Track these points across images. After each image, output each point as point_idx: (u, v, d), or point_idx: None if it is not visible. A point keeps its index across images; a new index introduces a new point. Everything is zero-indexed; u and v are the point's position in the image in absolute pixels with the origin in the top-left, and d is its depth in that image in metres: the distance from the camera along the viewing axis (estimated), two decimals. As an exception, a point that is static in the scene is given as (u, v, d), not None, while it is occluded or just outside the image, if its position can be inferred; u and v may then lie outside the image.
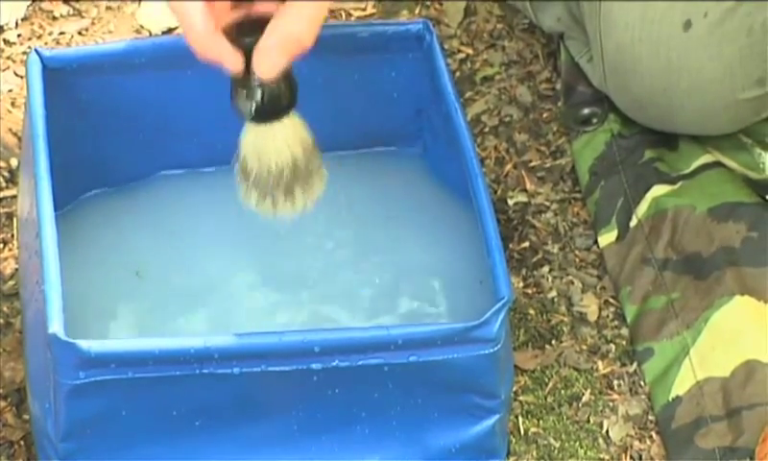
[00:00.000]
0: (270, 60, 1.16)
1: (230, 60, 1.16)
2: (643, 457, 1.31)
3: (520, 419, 1.33)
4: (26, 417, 1.29)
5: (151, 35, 1.60)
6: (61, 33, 1.60)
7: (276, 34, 1.16)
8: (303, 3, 1.15)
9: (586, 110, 1.52)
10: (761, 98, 1.42)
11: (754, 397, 1.31)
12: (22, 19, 1.61)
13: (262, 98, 1.19)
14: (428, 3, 1.65)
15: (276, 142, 1.21)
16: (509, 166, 1.51)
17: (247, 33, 1.17)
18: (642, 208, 1.44)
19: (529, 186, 1.50)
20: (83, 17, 1.62)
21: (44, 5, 1.62)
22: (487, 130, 1.54)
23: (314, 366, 1.17)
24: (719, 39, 1.39)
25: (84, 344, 1.13)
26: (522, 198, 1.49)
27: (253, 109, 1.19)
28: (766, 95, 1.43)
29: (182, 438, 1.20)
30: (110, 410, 1.17)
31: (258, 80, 1.17)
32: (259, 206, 1.23)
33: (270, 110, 1.20)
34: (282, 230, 1.32)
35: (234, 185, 1.29)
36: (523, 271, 1.43)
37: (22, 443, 1.29)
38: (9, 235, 1.43)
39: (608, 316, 1.40)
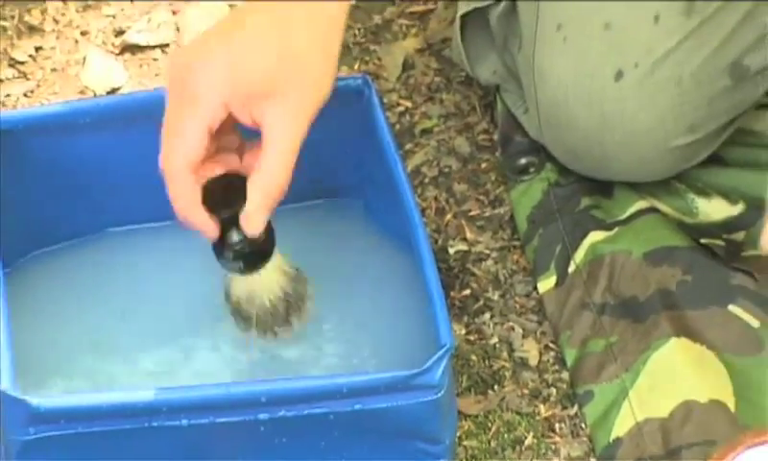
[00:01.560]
0: (258, 219, 1.20)
1: (206, 228, 1.20)
2: (585, 498, 1.32)
3: (465, 463, 1.33)
4: (-22, 473, 1.29)
5: (95, 95, 1.59)
6: (7, 95, 1.60)
7: (255, 194, 1.19)
8: (274, 154, 1.19)
9: (523, 160, 1.52)
10: (693, 145, 1.43)
11: (692, 436, 1.31)
12: (-31, 82, 1.61)
13: (249, 254, 1.22)
14: (367, 58, 1.65)
15: (266, 284, 1.25)
16: (449, 216, 1.51)
17: (221, 203, 1.21)
18: (580, 255, 1.45)
19: (469, 235, 1.50)
20: (28, 79, 1.61)
21: (-9, 68, 1.62)
22: (427, 180, 1.54)
23: (261, 416, 1.17)
24: (650, 89, 1.39)
25: (34, 400, 1.13)
26: (463, 247, 1.49)
27: (243, 266, 1.23)
28: (697, 142, 1.43)
29: (133, 491, 1.20)
30: (61, 464, 1.17)
31: (241, 239, 1.21)
32: (262, 339, 1.28)
33: (257, 261, 1.24)
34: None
35: (179, 241, 1.29)
36: (465, 318, 1.43)
37: (-26, 499, 1.28)
38: (-42, 294, 1.42)
39: (548, 360, 1.41)
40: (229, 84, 1.18)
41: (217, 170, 1.21)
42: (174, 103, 1.20)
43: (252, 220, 1.20)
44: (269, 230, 1.23)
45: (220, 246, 1.22)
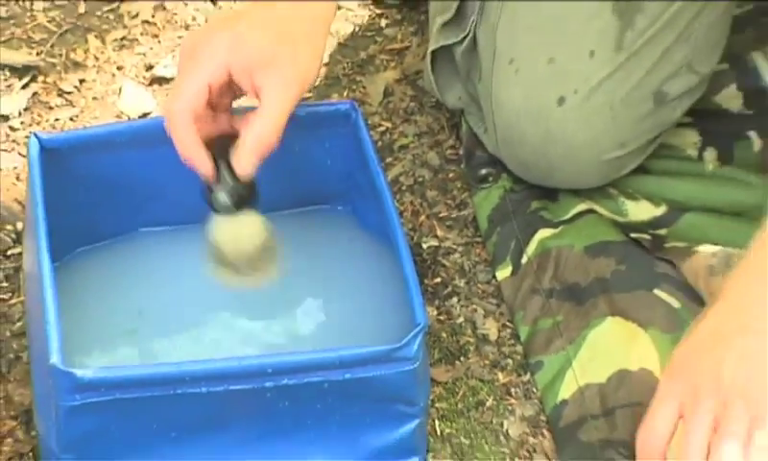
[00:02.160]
0: (248, 161, 1.20)
1: (204, 166, 1.20)
2: (537, 450, 1.31)
3: (437, 422, 1.32)
4: (33, 433, 1.28)
5: (129, 119, 1.59)
6: (56, 119, 1.59)
7: (249, 138, 1.20)
8: (269, 113, 1.19)
9: (483, 171, 1.52)
10: (623, 158, 1.43)
11: (625, 398, 1.31)
12: (24, 109, 1.60)
13: (238, 194, 1.21)
14: (354, 87, 1.65)
15: (248, 229, 1.23)
16: (422, 217, 1.51)
17: (218, 152, 1.20)
18: (531, 248, 1.44)
19: (439, 233, 1.50)
20: (73, 106, 1.61)
21: (42, 97, 1.61)
22: (404, 188, 1.54)
23: (267, 384, 1.17)
24: (587, 112, 1.39)
25: (79, 372, 1.13)
26: (434, 242, 1.49)
27: (231, 204, 1.21)
28: (627, 155, 1.43)
29: (161, 447, 1.19)
30: (101, 426, 1.16)
31: (232, 180, 1.20)
32: (224, 280, 1.25)
33: (243, 202, 1.22)
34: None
35: (198, 242, 1.29)
36: (436, 301, 1.43)
37: (30, 454, 1.28)
38: (16, 285, 1.42)
39: (505, 336, 1.40)
40: (232, 52, 1.19)
41: (213, 131, 1.22)
42: (182, 67, 1.21)
43: (243, 160, 1.20)
44: (255, 185, 1.22)
45: (213, 185, 1.21)
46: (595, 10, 1.38)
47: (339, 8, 1.72)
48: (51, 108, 1.61)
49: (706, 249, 1.40)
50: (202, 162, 1.20)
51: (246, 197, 1.22)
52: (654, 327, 1.35)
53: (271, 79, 1.19)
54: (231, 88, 1.22)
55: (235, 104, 1.25)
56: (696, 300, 1.36)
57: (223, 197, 1.21)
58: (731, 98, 1.53)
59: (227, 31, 1.19)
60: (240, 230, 1.23)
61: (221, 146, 1.21)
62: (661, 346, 1.34)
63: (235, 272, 1.24)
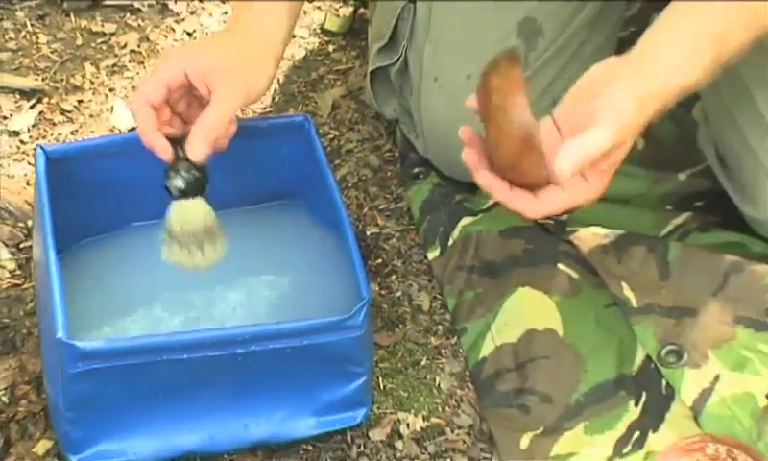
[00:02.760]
0: (199, 147, 1.19)
1: (162, 149, 1.19)
2: (463, 400, 1.30)
3: (380, 379, 1.32)
4: (44, 396, 1.27)
5: (120, 132, 1.58)
6: (59, 134, 1.58)
7: (198, 127, 1.19)
8: (217, 106, 1.19)
9: (415, 170, 1.52)
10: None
11: (533, 353, 1.31)
12: (32, 126, 1.59)
13: (191, 178, 1.20)
14: (307, 102, 1.64)
15: (198, 211, 1.22)
16: (366, 209, 1.51)
17: (176, 144, 1.20)
18: (456, 233, 1.44)
19: (380, 222, 1.49)
20: (73, 123, 1.60)
21: (46, 115, 1.60)
22: (350, 185, 1.53)
23: (239, 351, 1.17)
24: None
25: (80, 344, 1.13)
26: (375, 230, 1.48)
27: (184, 186, 1.20)
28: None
29: (151, 405, 1.18)
30: (100, 388, 1.15)
31: (186, 167, 1.19)
32: (178, 258, 1.23)
33: (195, 189, 1.21)
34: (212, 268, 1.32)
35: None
36: (378, 279, 1.42)
37: (42, 413, 1.26)
38: (28, 273, 1.40)
39: (436, 306, 1.40)
40: (191, 60, 1.20)
41: (175, 128, 1.22)
42: (151, 73, 1.22)
43: (194, 144, 1.19)
44: (206, 175, 1.21)
45: (171, 171, 1.20)
46: (504, 34, 1.38)
47: (294, 36, 1.71)
48: (54, 124, 1.59)
49: (598, 230, 1.40)
50: (160, 146, 1.19)
51: (197, 184, 1.21)
52: (557, 294, 1.35)
53: (223, 82, 1.19)
54: (191, 94, 1.22)
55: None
56: (592, 272, 1.37)
57: (178, 182, 1.20)
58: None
59: (192, 45, 1.19)
60: (190, 212, 1.21)
61: (180, 145, 1.20)
62: (563, 309, 1.34)
63: (187, 252, 1.22)
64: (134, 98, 1.20)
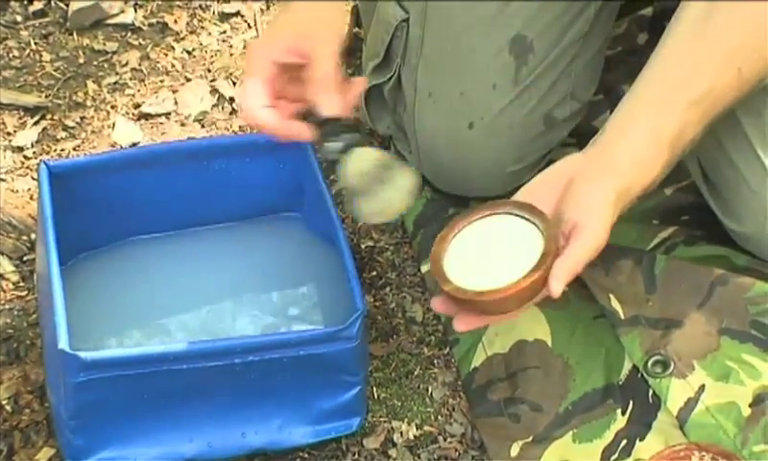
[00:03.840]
0: (332, 100, 1.17)
1: (304, 132, 1.17)
2: (455, 409, 1.31)
3: (374, 388, 1.32)
4: (47, 405, 1.27)
5: (121, 147, 1.58)
6: (62, 149, 1.58)
7: (320, 85, 1.17)
8: (321, 62, 1.17)
9: (409, 184, 1.52)
10: (521, 170, 1.43)
11: (523, 363, 1.31)
12: (35, 141, 1.59)
13: (344, 132, 1.16)
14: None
15: (366, 156, 1.17)
16: (360, 223, 1.51)
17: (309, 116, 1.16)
18: (449, 246, 1.45)
19: (374, 235, 1.50)
20: (76, 139, 1.60)
21: (50, 131, 1.60)
22: (346, 199, 1.53)
23: (236, 361, 1.17)
24: (492, 134, 1.40)
25: (82, 354, 1.13)
26: (370, 243, 1.49)
27: (342, 144, 1.16)
28: (524, 168, 1.43)
29: (151, 414, 1.19)
30: (102, 397, 1.16)
31: (333, 127, 1.16)
32: (370, 209, 1.16)
33: (353, 139, 1.17)
34: (215, 275, 1.33)
35: (179, 244, 1.28)
36: (372, 291, 1.43)
37: (45, 422, 1.27)
38: (31, 285, 1.41)
39: (429, 318, 1.40)
40: (273, 46, 1.18)
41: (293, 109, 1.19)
42: (248, 82, 1.18)
43: (327, 101, 1.16)
44: (350, 120, 1.16)
45: (324, 141, 1.16)
46: (496, 51, 1.39)
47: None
48: (57, 140, 1.60)
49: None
50: (302, 131, 1.17)
51: (352, 133, 1.16)
52: (546, 305, 1.35)
53: (315, 41, 1.17)
54: (285, 76, 1.20)
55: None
56: (581, 284, 1.37)
57: (336, 144, 1.16)
58: (605, 122, 1.55)
59: (265, 37, 1.21)
60: (362, 160, 1.16)
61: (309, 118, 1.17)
62: (552, 320, 1.34)
63: (377, 202, 1.15)
64: (254, 113, 1.17)
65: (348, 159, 1.16)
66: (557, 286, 1.11)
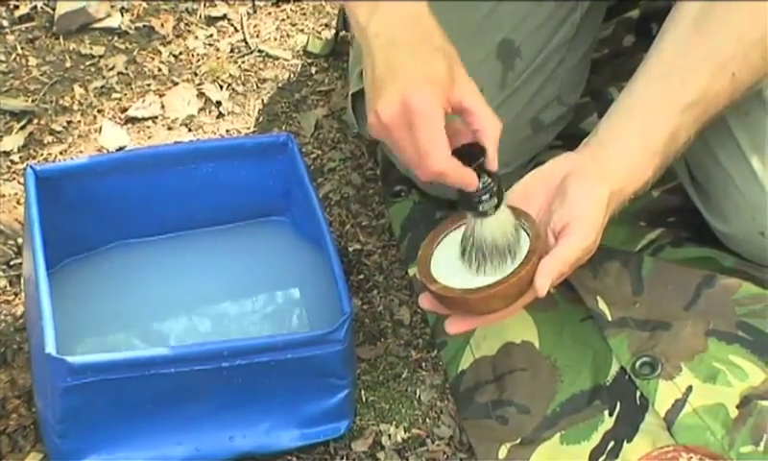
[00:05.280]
0: (496, 157, 1.12)
1: (473, 181, 1.11)
2: (443, 412, 1.31)
3: (362, 391, 1.32)
4: (34, 410, 1.27)
5: (108, 152, 1.58)
6: (49, 153, 1.58)
7: (488, 135, 1.12)
8: (483, 109, 1.12)
9: (397, 187, 1.52)
10: (508, 175, 1.39)
11: (511, 365, 1.31)
12: (22, 146, 1.59)
13: (497, 191, 1.13)
14: (290, 122, 1.65)
15: (505, 221, 1.14)
16: (348, 226, 1.51)
17: (469, 159, 1.11)
18: (436, 249, 1.44)
19: (362, 238, 1.50)
20: (62, 143, 1.60)
21: (36, 136, 1.60)
22: (333, 202, 1.54)
23: (224, 365, 1.17)
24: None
25: (70, 359, 1.13)
26: (358, 246, 1.49)
27: (496, 202, 1.13)
28: (511, 173, 1.41)
29: (138, 418, 1.18)
30: (89, 401, 1.15)
31: (487, 183, 1.11)
32: (494, 270, 1.14)
33: (501, 197, 1.14)
34: (202, 279, 1.33)
35: (168, 248, 1.28)
36: (360, 294, 1.43)
37: (32, 427, 1.27)
38: (18, 289, 1.41)
39: (417, 321, 1.41)
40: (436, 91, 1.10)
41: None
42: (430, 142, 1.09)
43: (493, 156, 1.11)
44: (496, 175, 1.11)
45: (475, 194, 1.11)
46: (483, 56, 1.39)
47: (277, 58, 1.73)
48: (44, 144, 1.60)
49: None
50: (471, 178, 1.11)
51: (500, 190, 1.13)
52: (534, 308, 1.35)
53: (457, 80, 1.11)
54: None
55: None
56: (568, 286, 1.37)
57: (492, 201, 1.12)
58: (593, 125, 1.53)
59: (410, 85, 1.08)
60: (501, 225, 1.13)
61: (470, 156, 1.11)
62: (540, 322, 1.34)
63: (491, 265, 1.13)
64: (440, 163, 1.09)
65: (492, 219, 1.13)
66: (542, 283, 1.11)
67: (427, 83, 1.09)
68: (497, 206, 1.13)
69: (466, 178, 1.11)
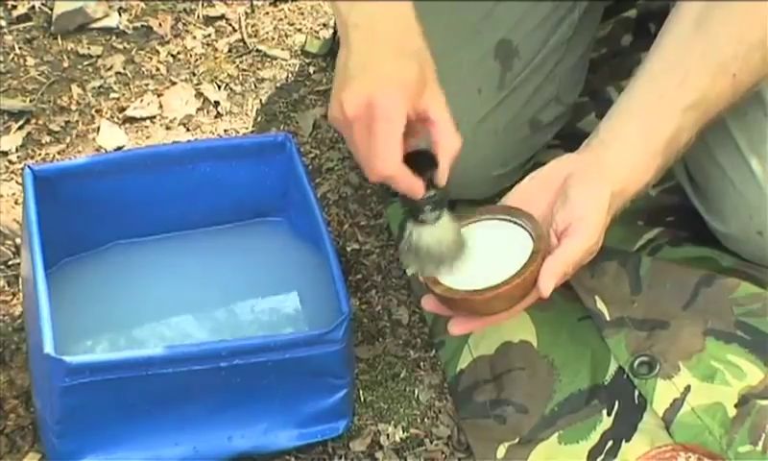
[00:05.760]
0: (446, 174, 1.12)
1: (419, 189, 1.11)
2: (441, 411, 1.31)
3: (361, 391, 1.32)
4: (32, 410, 1.27)
5: (106, 152, 1.58)
6: (47, 154, 1.58)
7: (445, 155, 1.12)
8: (445, 125, 1.11)
9: (394, 187, 1.52)
10: (506, 174, 1.43)
11: (509, 365, 1.31)
12: (20, 146, 1.59)
13: (442, 202, 1.13)
14: (289, 122, 1.65)
15: (448, 228, 1.15)
16: (346, 226, 1.51)
17: (422, 166, 1.11)
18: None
19: (360, 238, 1.50)
20: (60, 143, 1.60)
21: (34, 136, 1.60)
22: (331, 202, 1.54)
23: (222, 365, 1.17)
24: (478, 138, 1.39)
25: (68, 359, 1.13)
26: (356, 246, 1.49)
27: (439, 212, 1.14)
28: (509, 172, 1.43)
29: (137, 418, 1.19)
30: (88, 401, 1.15)
31: (431, 195, 1.12)
32: (430, 273, 1.15)
33: (444, 208, 1.15)
34: (200, 279, 1.32)
35: (162, 247, 1.28)
36: (358, 294, 1.43)
37: (30, 427, 1.27)
38: (16, 289, 1.41)
39: (415, 320, 1.41)
40: (404, 95, 1.09)
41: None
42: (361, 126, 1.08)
43: (444, 173, 1.11)
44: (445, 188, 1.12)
45: (419, 201, 1.12)
46: (481, 56, 1.39)
47: (275, 58, 1.73)
48: (42, 144, 1.60)
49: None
50: (418, 186, 1.11)
51: (446, 201, 1.14)
52: (532, 307, 1.35)
53: (426, 95, 1.10)
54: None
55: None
56: (566, 286, 1.36)
57: (432, 210, 1.13)
58: (591, 124, 1.54)
59: (379, 88, 1.07)
60: (441, 232, 1.14)
61: (423, 165, 1.11)
62: (538, 321, 1.34)
63: (439, 270, 1.15)
64: (390, 168, 1.09)
65: (434, 226, 1.14)
66: (546, 284, 1.12)
67: (397, 85, 1.08)
68: (439, 218, 1.14)
69: (413, 186, 1.11)
